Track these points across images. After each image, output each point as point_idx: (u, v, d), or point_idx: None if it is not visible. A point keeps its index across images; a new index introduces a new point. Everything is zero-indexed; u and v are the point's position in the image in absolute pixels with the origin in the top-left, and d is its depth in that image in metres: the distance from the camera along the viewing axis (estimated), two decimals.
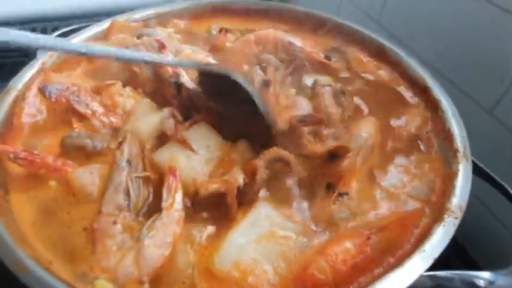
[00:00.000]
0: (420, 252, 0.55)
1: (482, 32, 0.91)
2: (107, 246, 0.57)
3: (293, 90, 0.87)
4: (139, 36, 0.93)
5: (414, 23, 1.13)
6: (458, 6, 0.96)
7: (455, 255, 0.88)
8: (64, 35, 0.98)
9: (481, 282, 0.57)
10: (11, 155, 0.62)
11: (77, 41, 0.95)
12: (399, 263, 0.55)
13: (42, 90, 0.74)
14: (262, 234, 0.58)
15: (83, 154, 0.68)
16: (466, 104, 0.94)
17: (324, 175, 0.69)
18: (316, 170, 0.70)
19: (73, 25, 1.06)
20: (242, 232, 0.59)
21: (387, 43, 0.98)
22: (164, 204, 0.61)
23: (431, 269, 0.54)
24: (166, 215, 0.60)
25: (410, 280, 0.52)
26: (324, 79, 0.88)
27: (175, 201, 0.61)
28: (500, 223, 0.90)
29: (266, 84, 0.81)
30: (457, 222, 0.59)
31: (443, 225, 0.58)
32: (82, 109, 0.75)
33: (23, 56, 1.42)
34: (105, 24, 1.00)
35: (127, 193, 0.62)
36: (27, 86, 0.80)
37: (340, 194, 0.67)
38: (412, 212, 0.64)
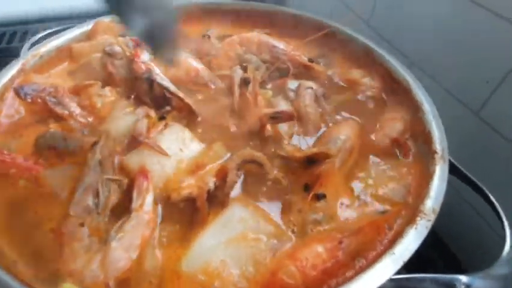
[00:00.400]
0: (390, 254, 0.54)
1: (469, 34, 0.90)
2: (75, 250, 0.56)
3: (270, 92, 0.87)
4: (121, 37, 0.93)
5: (403, 24, 1.12)
6: (446, 9, 0.96)
7: (440, 256, 0.87)
8: (48, 36, 0.99)
9: (458, 285, 0.56)
10: None
11: (60, 41, 0.95)
12: (368, 265, 0.54)
13: (17, 92, 0.74)
14: (233, 237, 0.57)
15: (56, 154, 0.68)
16: (453, 105, 0.93)
17: (302, 176, 0.68)
18: (293, 171, 0.69)
19: (56, 27, 1.07)
20: (213, 234, 0.58)
21: (372, 44, 0.98)
22: (133, 206, 0.60)
23: (413, 270, 0.54)
24: (135, 217, 0.59)
25: (378, 283, 0.51)
26: (308, 83, 0.88)
27: (144, 203, 0.60)
28: (486, 223, 0.89)
29: (245, 82, 0.80)
30: (429, 224, 0.58)
31: (415, 228, 0.57)
32: (58, 110, 0.75)
33: (13, 56, 1.43)
34: (89, 26, 1.00)
35: (96, 195, 0.61)
36: (6, 87, 0.80)
37: (317, 196, 0.65)
38: (387, 214, 0.63)
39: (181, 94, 0.80)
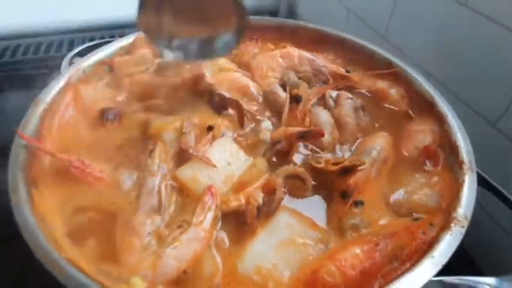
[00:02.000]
0: (430, 258, 0.58)
1: (486, 47, 0.95)
2: (133, 245, 0.61)
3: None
4: None
5: (419, 37, 1.17)
6: (463, 22, 1.00)
7: (460, 262, 0.90)
8: (87, 49, 1.04)
9: None
10: (66, 163, 0.70)
11: (101, 55, 1.01)
12: (409, 268, 0.58)
13: (101, 113, 0.82)
14: (282, 241, 0.63)
15: None
16: (471, 116, 0.98)
17: (340, 184, 0.73)
18: (328, 181, 0.74)
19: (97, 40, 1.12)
20: (262, 240, 0.64)
21: (394, 59, 1.02)
22: (194, 220, 0.64)
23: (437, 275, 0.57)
24: (193, 231, 0.63)
25: (420, 284, 0.55)
26: (346, 94, 0.94)
27: (205, 220, 0.64)
28: (504, 231, 0.93)
29: (297, 99, 0.85)
30: (463, 230, 0.62)
31: (451, 234, 0.62)
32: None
33: (44, 67, 1.50)
34: (128, 40, 1.07)
35: (159, 198, 0.67)
36: (55, 101, 0.86)
37: (355, 203, 0.71)
38: (420, 221, 0.68)
39: (239, 101, 0.86)
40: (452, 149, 0.79)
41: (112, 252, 0.62)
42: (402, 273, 0.58)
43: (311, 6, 1.76)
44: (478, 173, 0.74)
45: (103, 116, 0.83)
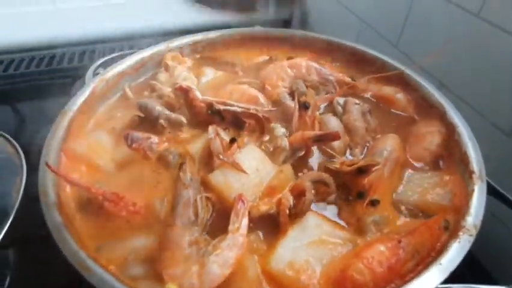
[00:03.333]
0: (437, 265, 0.60)
1: (499, 57, 0.97)
2: (176, 256, 0.63)
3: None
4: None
5: (431, 47, 1.19)
6: (476, 31, 1.02)
7: (471, 271, 0.91)
8: (110, 61, 1.11)
9: None
10: (100, 197, 0.70)
11: (122, 68, 1.07)
12: (416, 274, 0.60)
13: (125, 138, 0.85)
14: (313, 241, 0.68)
15: None
16: (485, 127, 0.99)
17: (355, 185, 0.77)
18: (345, 184, 0.79)
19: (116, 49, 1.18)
20: (294, 238, 0.69)
21: (404, 68, 1.05)
22: (231, 228, 0.67)
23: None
24: (231, 238, 0.66)
25: None
26: (353, 100, 1.00)
27: (241, 226, 0.68)
28: None
29: (305, 106, 0.90)
30: (472, 239, 0.64)
31: (459, 241, 0.63)
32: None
33: (67, 77, 1.58)
34: (147, 53, 1.12)
35: (195, 210, 0.71)
36: (80, 110, 0.91)
37: (372, 202, 0.76)
38: (435, 217, 0.72)
39: (250, 107, 0.91)
40: (462, 159, 0.81)
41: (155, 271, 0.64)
42: (410, 279, 0.59)
43: (323, 16, 1.79)
44: (488, 183, 0.75)
45: (127, 141, 0.85)
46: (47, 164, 0.69)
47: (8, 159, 0.99)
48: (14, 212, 0.83)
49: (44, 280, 0.90)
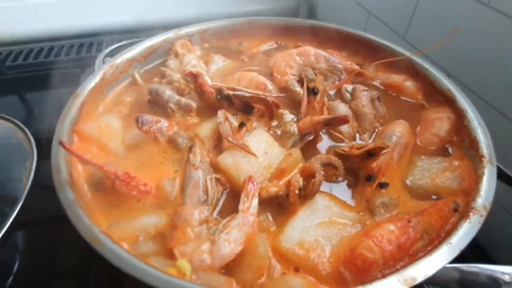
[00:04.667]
0: (447, 244, 0.60)
1: (509, 46, 0.96)
2: (186, 234, 0.65)
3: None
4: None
5: (440, 39, 1.18)
6: (485, 23, 1.01)
7: (475, 255, 0.91)
8: (118, 49, 1.11)
9: (506, 278, 0.61)
10: (112, 176, 0.71)
11: (131, 54, 1.07)
12: (427, 253, 0.60)
13: (136, 119, 0.85)
14: (323, 221, 0.68)
15: None
16: (493, 116, 0.98)
17: (364, 168, 0.78)
18: (354, 164, 0.79)
19: (125, 41, 1.20)
20: (304, 218, 0.69)
21: (411, 54, 1.05)
22: (241, 207, 0.69)
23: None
24: (241, 217, 0.67)
25: (437, 268, 0.57)
26: (362, 87, 1.00)
27: (251, 206, 0.69)
28: None
29: (314, 92, 0.90)
30: (482, 220, 0.64)
31: (469, 222, 0.63)
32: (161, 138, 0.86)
33: (75, 67, 1.59)
34: (155, 40, 1.13)
35: (205, 190, 0.72)
36: (91, 94, 0.92)
37: (381, 185, 0.76)
38: (445, 200, 0.72)
39: (260, 93, 0.91)
40: (472, 144, 0.81)
41: (165, 249, 0.65)
42: (420, 258, 0.60)
43: (331, 8, 1.79)
44: (499, 168, 0.75)
45: (137, 123, 0.85)
46: (61, 142, 0.70)
47: (18, 145, 1.00)
48: (24, 196, 0.84)
49: (53, 264, 0.92)
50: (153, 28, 1.34)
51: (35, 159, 0.92)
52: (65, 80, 1.38)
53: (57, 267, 0.92)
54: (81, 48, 1.71)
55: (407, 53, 1.08)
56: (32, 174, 0.89)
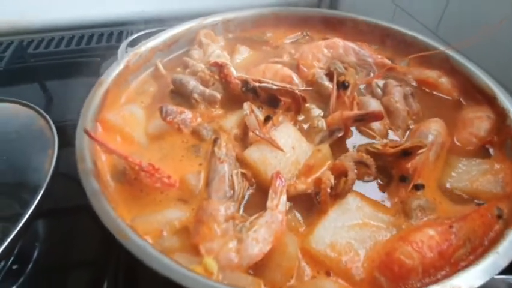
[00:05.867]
0: (494, 253, 0.56)
1: None
2: (213, 230, 0.62)
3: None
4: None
5: (474, 33, 1.12)
6: None
7: None
8: (141, 37, 1.09)
9: None
10: (137, 167, 0.68)
11: (154, 43, 1.05)
12: (472, 262, 0.56)
13: (160, 109, 0.82)
14: (355, 223, 0.65)
15: None
16: None
17: (398, 168, 0.73)
18: (387, 163, 0.75)
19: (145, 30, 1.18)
20: (335, 219, 0.66)
21: (450, 52, 0.99)
22: (269, 204, 0.65)
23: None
24: (269, 215, 0.64)
25: (483, 280, 0.53)
26: (394, 82, 0.95)
27: (280, 203, 0.65)
28: None
29: (343, 85, 0.86)
30: None
31: None
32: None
33: (96, 56, 1.58)
34: (178, 29, 1.10)
35: (231, 185, 0.69)
36: (115, 82, 0.90)
37: (416, 186, 0.72)
38: (486, 205, 0.68)
39: (287, 86, 0.87)
40: None
41: (190, 244, 0.62)
42: (465, 268, 0.55)
43: (354, 0, 1.73)
44: None
45: (161, 114, 0.82)
46: (85, 130, 0.68)
47: (40, 132, 0.99)
48: (45, 184, 0.82)
49: (72, 252, 0.91)
50: (176, 18, 1.31)
51: (57, 147, 0.91)
52: (85, 69, 1.37)
53: (76, 256, 0.91)
54: (101, 38, 1.70)
55: (441, 47, 1.02)
56: (54, 162, 0.88)
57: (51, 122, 0.99)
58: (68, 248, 0.92)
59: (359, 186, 0.73)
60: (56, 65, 1.57)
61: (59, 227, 0.98)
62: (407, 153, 0.72)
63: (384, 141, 0.79)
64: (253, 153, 0.74)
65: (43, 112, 1.02)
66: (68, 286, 0.83)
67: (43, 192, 0.80)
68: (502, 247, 0.57)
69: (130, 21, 1.74)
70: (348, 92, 0.86)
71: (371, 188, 0.74)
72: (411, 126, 0.87)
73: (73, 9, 1.74)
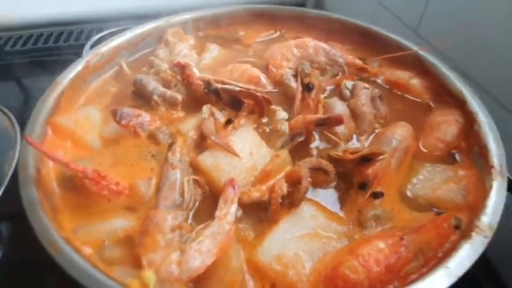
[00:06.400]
0: (444, 268, 0.53)
1: None
2: (157, 241, 0.59)
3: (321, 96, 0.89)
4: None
5: (454, 32, 1.09)
6: (502, 20, 0.92)
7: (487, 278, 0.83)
8: (106, 36, 1.06)
9: None
10: (80, 174, 0.65)
11: (118, 42, 1.01)
12: (420, 277, 0.53)
13: (114, 113, 0.79)
14: (306, 233, 0.62)
15: None
16: (509, 120, 0.90)
17: (359, 175, 0.70)
18: (348, 170, 0.72)
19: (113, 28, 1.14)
20: (286, 229, 0.63)
21: (422, 52, 0.96)
22: (217, 214, 0.63)
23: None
24: (217, 225, 0.61)
25: None
26: (363, 84, 0.91)
27: (229, 213, 0.63)
28: None
29: (309, 88, 0.83)
30: (486, 241, 0.57)
31: (471, 243, 0.56)
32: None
33: (74, 54, 1.55)
34: (144, 28, 1.07)
35: (181, 192, 0.66)
36: (72, 83, 0.87)
37: (375, 194, 0.69)
38: (445, 215, 0.65)
39: (250, 87, 0.85)
40: (481, 152, 0.73)
41: (133, 255, 0.60)
42: (413, 282, 0.53)
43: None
44: (509, 179, 0.67)
45: (115, 117, 0.79)
46: (23, 135, 0.65)
47: (4, 131, 0.97)
48: (3, 186, 0.80)
49: (37, 255, 0.89)
50: (150, 16, 1.27)
51: (18, 147, 0.89)
52: (63, 67, 1.34)
53: (42, 259, 0.89)
54: (80, 35, 1.66)
55: (414, 47, 0.99)
56: (14, 163, 0.85)
57: (15, 122, 0.96)
58: (33, 250, 0.90)
59: (318, 193, 0.71)
60: (33, 63, 1.54)
61: (22, 229, 0.96)
62: (366, 160, 0.69)
63: (344, 147, 0.76)
64: (207, 159, 0.71)
65: (7, 111, 0.99)
66: None
67: (1, 195, 0.77)
68: (453, 261, 0.54)
69: (111, 17, 1.71)
70: (313, 94, 0.83)
71: (330, 196, 0.71)
72: (377, 130, 0.84)
73: (52, 5, 1.70)
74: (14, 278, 0.87)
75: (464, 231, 0.60)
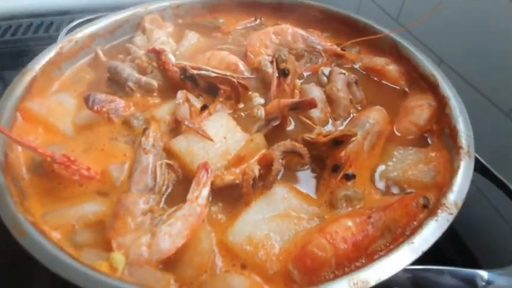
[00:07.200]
0: (409, 244, 0.54)
1: (503, 36, 0.88)
2: (127, 224, 0.59)
3: (298, 81, 0.90)
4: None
5: (433, 22, 1.10)
6: (479, 8, 0.93)
7: (458, 253, 0.85)
8: (83, 23, 1.04)
9: (479, 281, 0.55)
10: (48, 159, 0.64)
11: (94, 29, 1.00)
12: (386, 253, 0.54)
13: (86, 99, 0.77)
14: (277, 214, 0.62)
15: None
16: (485, 105, 0.91)
17: (332, 157, 0.71)
18: (322, 153, 0.73)
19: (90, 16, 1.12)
20: (257, 211, 0.63)
21: (398, 39, 0.97)
22: (189, 197, 0.62)
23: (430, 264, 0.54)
24: (188, 207, 0.61)
25: (393, 271, 0.51)
26: (339, 70, 0.92)
27: (200, 196, 0.62)
28: (505, 221, 0.86)
29: (284, 73, 0.82)
30: (451, 218, 0.58)
31: (436, 220, 0.57)
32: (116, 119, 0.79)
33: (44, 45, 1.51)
34: (120, 15, 1.05)
35: (154, 177, 0.66)
36: (44, 69, 0.85)
37: (347, 176, 0.70)
38: (414, 194, 0.66)
39: (226, 73, 0.84)
40: (451, 134, 0.75)
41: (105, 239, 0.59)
42: (379, 258, 0.54)
43: None
44: (479, 160, 0.68)
45: (87, 103, 0.78)
46: None
47: None
48: None
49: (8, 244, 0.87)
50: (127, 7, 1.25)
51: None
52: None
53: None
54: (61, 25, 1.63)
55: (393, 36, 1.00)
56: None
57: None
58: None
59: (292, 176, 0.71)
60: (13, 54, 1.51)
61: None
62: (338, 142, 0.70)
63: (320, 129, 0.76)
64: (180, 143, 0.71)
65: None
66: None
67: None
68: (418, 237, 0.55)
69: (93, 8, 1.67)
70: (288, 79, 0.83)
71: (305, 179, 0.72)
72: (353, 115, 0.85)
73: None
74: None
75: (431, 210, 0.61)
